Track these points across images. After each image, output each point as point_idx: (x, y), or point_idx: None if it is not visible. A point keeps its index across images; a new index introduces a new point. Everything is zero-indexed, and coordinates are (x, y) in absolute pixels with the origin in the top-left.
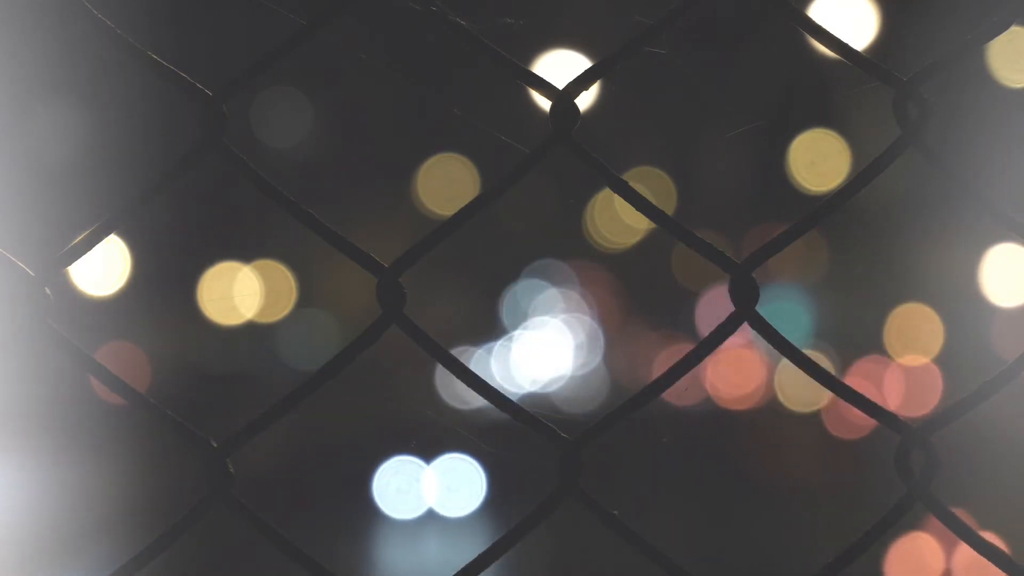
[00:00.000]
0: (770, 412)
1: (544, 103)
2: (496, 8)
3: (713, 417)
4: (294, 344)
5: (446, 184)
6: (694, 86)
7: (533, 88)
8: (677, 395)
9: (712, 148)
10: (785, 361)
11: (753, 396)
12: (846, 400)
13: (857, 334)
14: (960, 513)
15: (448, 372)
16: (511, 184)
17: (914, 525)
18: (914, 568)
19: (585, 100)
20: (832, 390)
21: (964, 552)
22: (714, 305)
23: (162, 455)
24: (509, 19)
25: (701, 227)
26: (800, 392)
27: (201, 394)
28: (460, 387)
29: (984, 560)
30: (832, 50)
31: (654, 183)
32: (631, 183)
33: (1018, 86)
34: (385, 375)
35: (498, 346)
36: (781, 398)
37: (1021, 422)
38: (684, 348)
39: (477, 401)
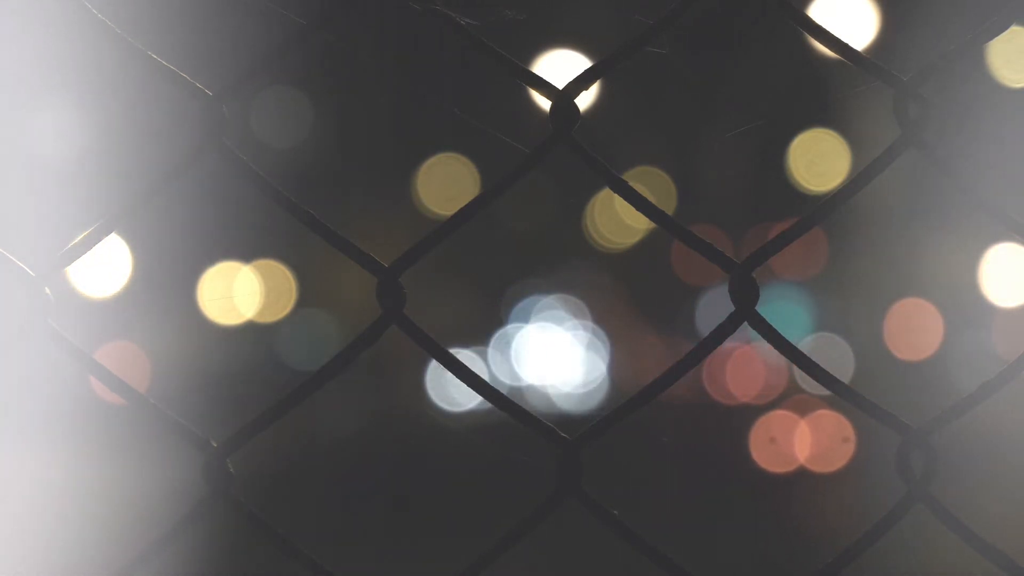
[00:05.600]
0: (775, 408)
1: (544, 103)
2: (496, 8)
3: (713, 414)
4: (294, 344)
5: (446, 184)
6: (694, 86)
7: (533, 88)
8: (677, 390)
9: (712, 148)
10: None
11: (759, 391)
12: (846, 400)
13: (857, 333)
14: (960, 513)
15: (438, 375)
16: (511, 184)
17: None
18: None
19: (585, 100)
20: (832, 390)
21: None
22: (714, 305)
23: (162, 455)
24: (509, 12)
25: (701, 227)
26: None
27: (201, 394)
28: (450, 390)
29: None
30: (832, 50)
31: (654, 183)
32: (631, 183)
33: (1018, 86)
34: (384, 376)
35: (498, 346)
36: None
37: (1021, 422)
38: (684, 347)
39: (468, 403)
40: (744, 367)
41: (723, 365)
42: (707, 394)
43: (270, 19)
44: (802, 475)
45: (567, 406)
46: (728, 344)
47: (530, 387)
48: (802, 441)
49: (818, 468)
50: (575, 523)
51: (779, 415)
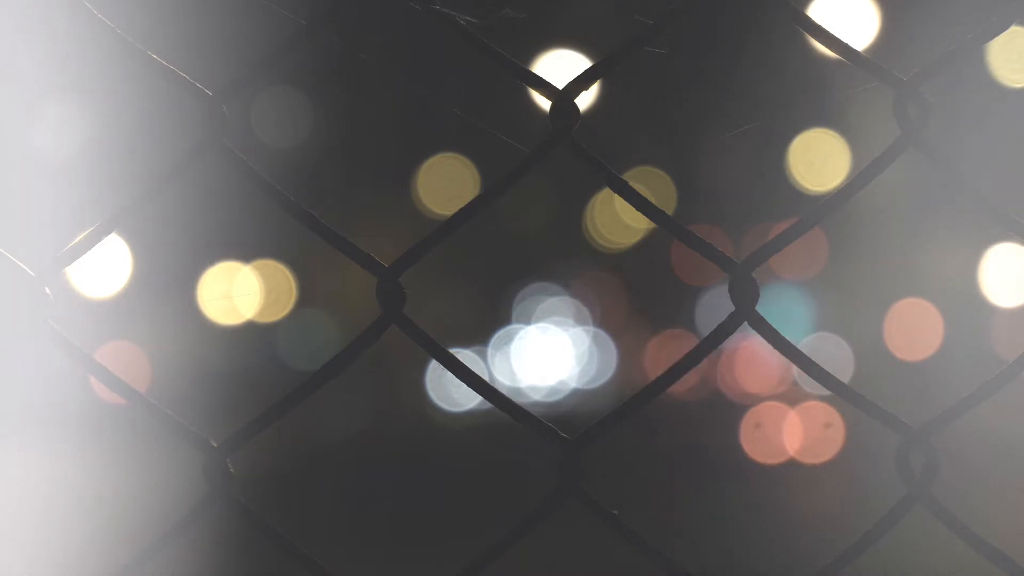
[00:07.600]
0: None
1: (544, 103)
2: (496, 8)
3: (712, 413)
4: (294, 344)
5: (446, 184)
6: (694, 86)
7: (533, 88)
8: (676, 389)
9: (712, 148)
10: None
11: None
12: (846, 399)
13: (857, 333)
14: (960, 513)
15: (438, 375)
16: (511, 184)
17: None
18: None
19: (585, 100)
20: (832, 390)
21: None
22: (714, 305)
23: (162, 455)
24: (509, 12)
25: (701, 227)
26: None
27: (201, 394)
28: (450, 390)
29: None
30: (832, 50)
31: (654, 183)
32: (631, 183)
33: (1018, 86)
34: (384, 376)
35: (498, 346)
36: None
37: (1021, 422)
38: (685, 346)
39: (468, 403)
40: (741, 365)
41: (716, 364)
42: (705, 393)
43: (270, 19)
44: (794, 467)
45: (566, 406)
46: (725, 343)
47: (530, 387)
48: (792, 432)
49: (808, 459)
50: (575, 523)
51: (769, 406)
